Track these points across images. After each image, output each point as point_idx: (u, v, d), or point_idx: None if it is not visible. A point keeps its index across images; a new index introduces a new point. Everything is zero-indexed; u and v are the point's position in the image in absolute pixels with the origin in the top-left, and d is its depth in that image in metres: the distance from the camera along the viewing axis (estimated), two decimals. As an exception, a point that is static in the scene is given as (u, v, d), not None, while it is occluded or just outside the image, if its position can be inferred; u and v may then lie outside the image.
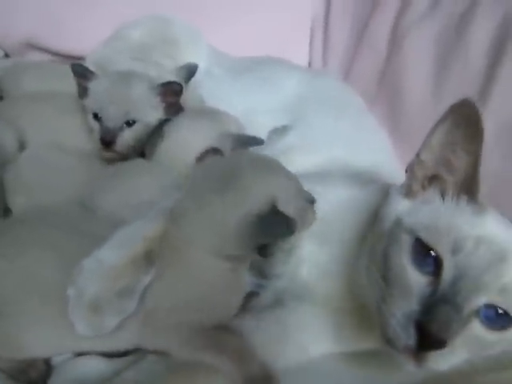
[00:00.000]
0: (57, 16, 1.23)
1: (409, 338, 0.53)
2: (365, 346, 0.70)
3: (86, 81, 0.93)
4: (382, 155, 1.02)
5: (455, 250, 0.55)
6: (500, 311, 0.55)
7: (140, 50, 1.12)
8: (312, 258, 0.74)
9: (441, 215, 0.59)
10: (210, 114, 0.93)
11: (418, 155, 0.62)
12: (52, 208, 0.73)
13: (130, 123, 0.91)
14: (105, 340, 0.59)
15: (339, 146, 0.98)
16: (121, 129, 0.90)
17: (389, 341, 0.56)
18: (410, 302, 0.55)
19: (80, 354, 0.65)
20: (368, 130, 1.09)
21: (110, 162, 0.91)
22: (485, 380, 0.63)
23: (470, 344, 0.55)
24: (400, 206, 0.63)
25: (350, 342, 0.71)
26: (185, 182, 0.68)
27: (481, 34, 0.97)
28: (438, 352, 0.53)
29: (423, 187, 0.63)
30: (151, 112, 0.94)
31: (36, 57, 1.28)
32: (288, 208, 0.60)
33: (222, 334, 0.62)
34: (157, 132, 0.91)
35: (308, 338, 0.71)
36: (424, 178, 0.63)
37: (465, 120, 0.57)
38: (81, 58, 1.16)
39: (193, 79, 1.05)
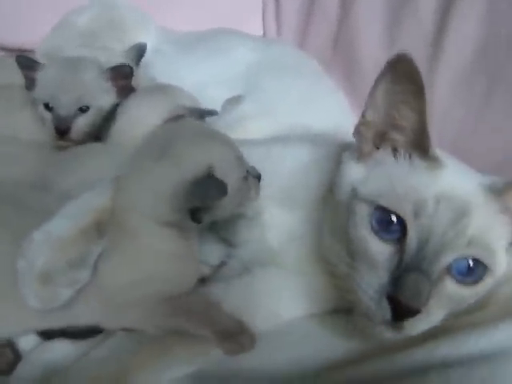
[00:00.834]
0: (3, 10, 1.20)
1: (384, 313, 0.53)
2: (338, 305, 0.69)
3: (32, 72, 0.91)
4: (341, 116, 1.02)
5: (417, 213, 0.54)
6: (471, 264, 0.55)
7: (88, 35, 1.10)
8: (277, 223, 0.73)
9: (396, 177, 0.58)
10: (162, 90, 0.92)
11: (363, 115, 0.61)
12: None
13: (83, 109, 0.90)
14: (63, 315, 0.58)
15: (296, 110, 0.97)
16: (74, 116, 0.89)
17: (364, 315, 0.56)
18: (379, 275, 0.54)
19: (48, 339, 0.64)
20: (325, 92, 1.09)
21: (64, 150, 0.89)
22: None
23: (446, 303, 0.55)
24: (354, 174, 0.62)
25: (321, 303, 0.70)
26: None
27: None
28: (415, 318, 0.52)
29: (375, 146, 0.62)
30: (103, 96, 0.92)
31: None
32: (226, 177, 0.60)
33: (186, 298, 0.62)
34: (111, 117, 0.91)
35: (278, 302, 0.70)
36: (374, 137, 0.62)
37: (403, 76, 0.55)
38: (33, 51, 1.13)
39: (143, 59, 1.03)
